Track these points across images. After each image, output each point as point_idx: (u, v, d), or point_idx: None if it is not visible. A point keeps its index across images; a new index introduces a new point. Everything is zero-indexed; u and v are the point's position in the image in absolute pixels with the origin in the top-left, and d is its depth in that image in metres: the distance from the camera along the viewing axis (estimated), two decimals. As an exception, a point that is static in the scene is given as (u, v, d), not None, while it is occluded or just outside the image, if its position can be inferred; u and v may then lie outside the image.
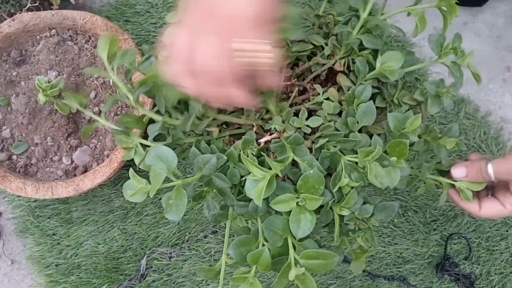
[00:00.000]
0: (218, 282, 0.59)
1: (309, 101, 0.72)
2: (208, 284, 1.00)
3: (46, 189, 0.89)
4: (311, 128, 0.65)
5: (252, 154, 0.63)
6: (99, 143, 0.96)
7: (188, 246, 1.02)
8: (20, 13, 0.99)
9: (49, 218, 1.04)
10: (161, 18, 1.23)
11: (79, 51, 0.99)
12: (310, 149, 0.62)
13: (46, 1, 1.11)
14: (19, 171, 0.94)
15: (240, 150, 0.64)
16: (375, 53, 0.73)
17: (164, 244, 1.03)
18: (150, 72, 0.63)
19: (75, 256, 1.02)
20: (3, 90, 0.97)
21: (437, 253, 1.07)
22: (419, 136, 0.70)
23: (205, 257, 1.02)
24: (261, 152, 0.62)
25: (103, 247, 1.02)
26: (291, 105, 0.72)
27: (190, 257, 1.01)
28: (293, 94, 0.72)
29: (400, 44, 1.19)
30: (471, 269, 1.05)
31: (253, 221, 0.66)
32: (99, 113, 0.97)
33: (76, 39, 1.00)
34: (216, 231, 1.03)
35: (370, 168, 0.54)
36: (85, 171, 0.94)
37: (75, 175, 0.94)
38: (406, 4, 0.72)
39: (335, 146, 0.60)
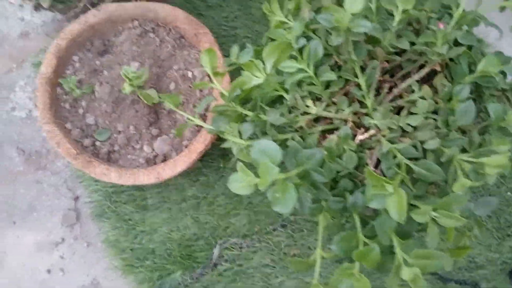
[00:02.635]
0: (304, 275, 0.60)
1: (401, 98, 0.71)
2: (277, 277, 1.01)
3: (129, 176, 0.92)
4: (412, 126, 0.64)
5: (351, 150, 0.63)
6: (178, 133, 0.98)
7: (258, 238, 1.03)
8: (104, 3, 1.02)
9: (125, 203, 1.07)
10: (232, 12, 1.25)
11: (160, 43, 1.02)
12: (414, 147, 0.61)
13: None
14: (102, 158, 0.97)
15: (336, 146, 0.64)
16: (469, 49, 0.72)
17: (234, 235, 1.04)
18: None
19: (150, 242, 1.05)
20: (87, 79, 1.01)
21: (511, 260, 1.03)
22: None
23: (274, 250, 1.03)
24: (361, 150, 0.62)
25: (176, 234, 1.05)
26: (380, 102, 0.71)
27: (260, 249, 1.03)
28: (384, 90, 0.72)
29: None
30: (549, 278, 1.01)
31: (345, 217, 0.66)
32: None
33: (157, 31, 1.02)
34: (286, 225, 1.04)
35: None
36: (164, 160, 0.97)
37: (155, 163, 0.97)
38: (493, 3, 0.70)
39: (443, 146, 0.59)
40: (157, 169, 0.92)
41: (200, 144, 0.93)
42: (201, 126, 0.97)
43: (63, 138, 0.93)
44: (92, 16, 1.01)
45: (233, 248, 1.03)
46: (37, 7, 1.17)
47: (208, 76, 1.01)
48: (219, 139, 0.98)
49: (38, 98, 0.95)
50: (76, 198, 1.13)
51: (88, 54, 1.03)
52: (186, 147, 0.97)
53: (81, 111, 0.99)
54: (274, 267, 1.02)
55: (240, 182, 0.56)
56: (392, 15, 0.74)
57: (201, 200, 1.07)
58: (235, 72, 0.86)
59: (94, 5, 1.11)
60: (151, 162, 0.97)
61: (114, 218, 1.07)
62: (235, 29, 1.22)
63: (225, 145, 0.78)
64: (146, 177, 0.92)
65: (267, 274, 1.01)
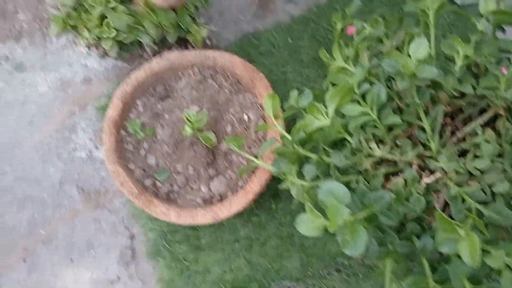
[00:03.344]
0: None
1: (464, 141, 0.71)
2: (332, 323, 0.99)
3: (187, 216, 0.94)
4: (479, 170, 0.64)
5: (418, 193, 0.63)
6: (234, 174, 1.01)
7: (312, 282, 1.02)
8: (167, 52, 1.09)
9: (179, 242, 1.10)
10: (282, 58, 1.30)
11: (218, 88, 1.07)
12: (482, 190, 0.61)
13: (184, 42, 1.22)
14: (161, 197, 1.01)
15: (403, 189, 0.64)
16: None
17: (287, 277, 1.04)
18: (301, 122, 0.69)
19: (203, 282, 1.06)
20: (150, 122, 1.06)
21: None
22: None
23: (329, 295, 1.01)
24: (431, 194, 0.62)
25: (229, 275, 1.05)
26: (444, 145, 0.72)
27: (315, 293, 1.02)
28: (447, 133, 0.72)
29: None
30: None
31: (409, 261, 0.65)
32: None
33: (215, 77, 1.08)
34: (340, 270, 1.03)
35: None
36: (220, 199, 0.99)
37: (211, 203, 0.99)
38: None
39: None
40: (214, 209, 0.94)
41: (256, 184, 0.95)
42: (257, 167, 1.00)
43: (126, 177, 0.98)
44: (156, 64, 1.08)
45: (287, 291, 1.02)
46: (103, 55, 1.26)
47: (263, 118, 1.05)
48: (271, 179, 1.00)
49: (105, 140, 1.01)
50: (132, 237, 1.16)
51: (151, 98, 1.09)
52: (241, 187, 0.99)
53: (143, 152, 1.04)
54: (329, 312, 1.00)
55: (309, 224, 0.57)
56: (449, 59, 0.76)
57: (254, 241, 1.07)
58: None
59: (155, 53, 1.20)
60: (207, 202, 1.00)
61: (169, 257, 1.09)
62: (285, 74, 1.27)
63: (283, 186, 0.80)
64: (203, 217, 0.94)
65: (321, 319, 1.00)
